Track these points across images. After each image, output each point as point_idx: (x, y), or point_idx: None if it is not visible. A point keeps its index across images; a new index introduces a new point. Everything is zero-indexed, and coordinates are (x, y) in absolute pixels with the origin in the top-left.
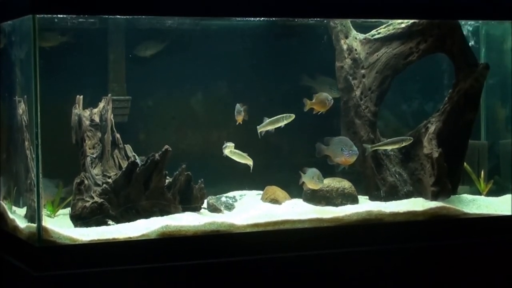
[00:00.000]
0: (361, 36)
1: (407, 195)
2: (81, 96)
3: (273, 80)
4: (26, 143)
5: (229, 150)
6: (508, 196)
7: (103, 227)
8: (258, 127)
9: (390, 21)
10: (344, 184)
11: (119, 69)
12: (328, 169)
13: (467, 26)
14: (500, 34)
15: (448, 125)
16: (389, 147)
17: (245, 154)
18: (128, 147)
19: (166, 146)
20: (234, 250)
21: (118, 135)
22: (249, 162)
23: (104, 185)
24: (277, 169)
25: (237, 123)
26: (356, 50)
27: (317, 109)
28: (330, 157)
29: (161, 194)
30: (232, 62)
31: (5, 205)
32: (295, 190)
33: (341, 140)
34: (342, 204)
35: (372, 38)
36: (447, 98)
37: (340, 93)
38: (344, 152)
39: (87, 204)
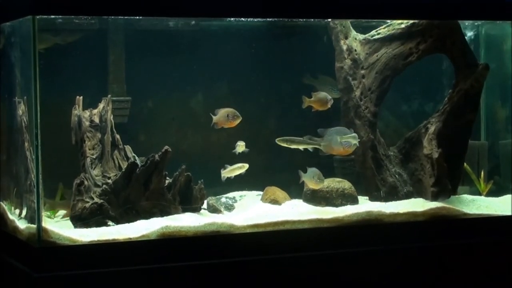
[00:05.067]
0: (360, 36)
1: (407, 196)
2: (81, 97)
3: (273, 80)
4: (26, 144)
5: (228, 170)
6: (508, 196)
7: (103, 228)
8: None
9: (390, 22)
10: (344, 184)
11: (119, 69)
12: (328, 169)
13: (467, 26)
14: (499, 35)
15: (448, 125)
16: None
17: (235, 166)
18: (128, 148)
19: (166, 147)
20: (234, 250)
21: (118, 136)
22: (242, 170)
23: (104, 186)
24: (277, 169)
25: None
26: (356, 50)
27: (315, 107)
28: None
29: (161, 195)
30: (232, 62)
31: (5, 206)
32: (295, 190)
33: (338, 130)
34: (342, 204)
35: (372, 38)
36: (447, 99)
37: (340, 94)
38: (343, 142)
39: (87, 205)
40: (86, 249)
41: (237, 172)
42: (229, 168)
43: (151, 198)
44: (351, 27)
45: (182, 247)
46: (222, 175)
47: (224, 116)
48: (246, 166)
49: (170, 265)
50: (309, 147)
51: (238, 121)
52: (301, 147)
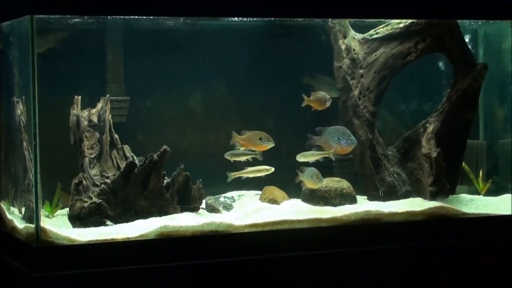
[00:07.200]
0: (359, 36)
1: (406, 195)
2: (79, 97)
3: (271, 80)
4: (24, 143)
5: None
6: (506, 195)
7: (102, 228)
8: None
9: (389, 21)
10: (343, 184)
11: (117, 69)
12: (326, 169)
13: (465, 26)
14: (498, 34)
15: (446, 124)
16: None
17: (258, 168)
18: (127, 148)
19: (165, 147)
20: (232, 250)
21: (116, 136)
22: (264, 172)
23: (103, 185)
24: (275, 169)
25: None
26: (354, 50)
27: (314, 107)
28: (321, 148)
29: (159, 195)
30: (231, 62)
31: (3, 206)
32: (294, 190)
33: (337, 129)
34: (340, 204)
35: (371, 38)
36: (445, 98)
37: (339, 93)
38: (341, 141)
39: (86, 205)
40: (85, 249)
41: (261, 174)
42: (252, 168)
43: (149, 197)
44: (349, 27)
45: (181, 246)
46: (233, 176)
47: (256, 139)
48: (272, 169)
49: (168, 264)
50: (249, 157)
51: (270, 146)
52: (242, 158)
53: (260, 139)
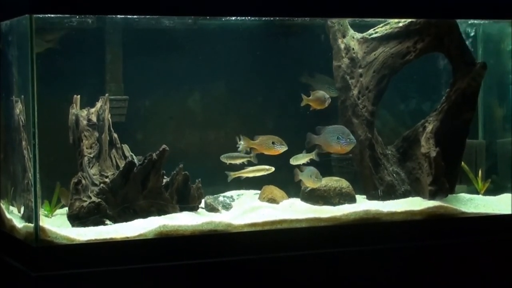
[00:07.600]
0: (358, 35)
1: (405, 195)
2: (79, 96)
3: (271, 79)
4: (23, 143)
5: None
6: (505, 195)
7: (101, 227)
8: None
9: (388, 20)
10: (342, 183)
11: (116, 69)
12: (326, 168)
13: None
14: (497, 33)
15: (445, 124)
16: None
17: (258, 167)
18: (126, 147)
19: (164, 146)
20: (231, 249)
21: (115, 135)
22: (264, 171)
23: (102, 184)
24: (275, 168)
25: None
26: (353, 49)
27: (313, 106)
28: (321, 147)
29: (158, 194)
30: (230, 61)
31: (2, 205)
32: (293, 189)
33: (336, 129)
34: (339, 203)
35: (370, 37)
36: (444, 97)
37: (338, 92)
38: (341, 140)
39: (85, 204)
40: (84, 248)
41: (261, 174)
42: (252, 168)
43: (148, 197)
44: (348, 26)
45: (180, 246)
46: (233, 175)
47: (269, 143)
48: (272, 169)
49: (167, 264)
50: (244, 160)
51: (283, 150)
52: (238, 161)
53: (273, 143)
